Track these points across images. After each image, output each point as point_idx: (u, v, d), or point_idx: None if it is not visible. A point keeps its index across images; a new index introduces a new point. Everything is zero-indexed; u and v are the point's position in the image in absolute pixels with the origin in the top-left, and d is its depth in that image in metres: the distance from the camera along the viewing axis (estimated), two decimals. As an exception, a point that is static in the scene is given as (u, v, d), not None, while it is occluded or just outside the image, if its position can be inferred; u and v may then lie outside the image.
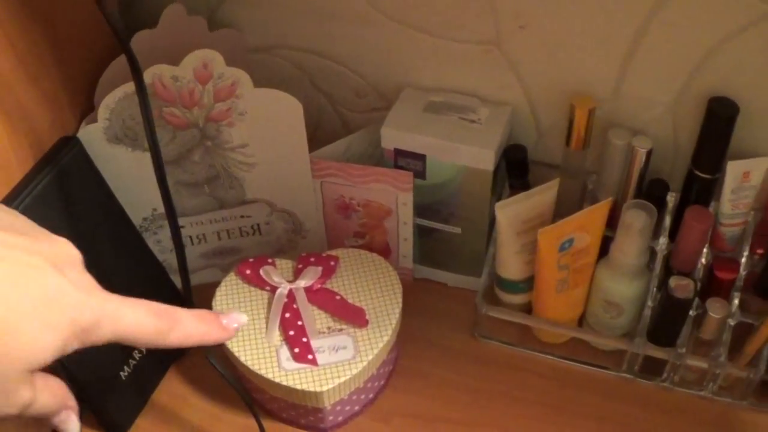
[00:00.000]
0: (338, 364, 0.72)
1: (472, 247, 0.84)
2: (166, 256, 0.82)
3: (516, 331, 0.83)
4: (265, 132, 0.77)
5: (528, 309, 0.83)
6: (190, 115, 0.75)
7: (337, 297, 0.76)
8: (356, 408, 0.77)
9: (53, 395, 0.48)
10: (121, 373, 0.75)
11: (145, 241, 0.80)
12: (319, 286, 0.77)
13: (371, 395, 0.78)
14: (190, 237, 0.82)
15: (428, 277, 0.89)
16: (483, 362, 0.82)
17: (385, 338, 0.74)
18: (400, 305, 0.76)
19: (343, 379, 0.71)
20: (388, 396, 0.79)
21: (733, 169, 0.77)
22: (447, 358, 0.82)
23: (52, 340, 0.44)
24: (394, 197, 0.80)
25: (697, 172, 0.78)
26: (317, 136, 0.86)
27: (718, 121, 0.75)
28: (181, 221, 0.80)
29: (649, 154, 0.77)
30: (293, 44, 0.85)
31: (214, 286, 0.78)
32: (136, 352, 0.76)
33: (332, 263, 0.78)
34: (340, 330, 0.74)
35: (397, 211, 0.81)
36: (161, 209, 0.78)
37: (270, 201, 0.81)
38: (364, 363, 0.72)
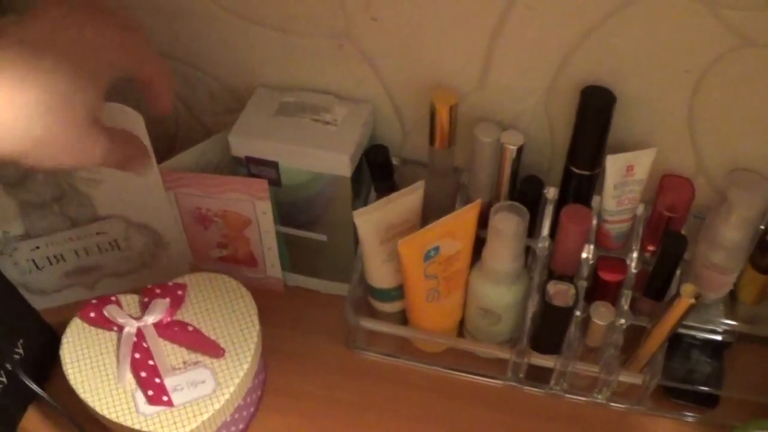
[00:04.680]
0: (197, 401, 0.67)
1: (341, 253, 0.79)
2: (27, 278, 0.79)
3: (393, 340, 0.78)
4: (107, 146, 0.72)
5: (405, 316, 0.78)
6: (28, 134, 0.70)
7: (190, 328, 0.70)
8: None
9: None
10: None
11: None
12: (169, 319, 0.71)
13: (241, 426, 0.73)
14: (48, 258, 0.78)
15: (301, 284, 0.84)
16: (359, 375, 0.77)
17: (245, 365, 0.68)
18: (257, 328, 0.71)
19: (205, 416, 0.66)
20: (257, 418, 0.74)
21: (614, 164, 0.70)
22: (321, 373, 0.77)
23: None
24: (252, 206, 0.75)
25: (574, 169, 0.71)
26: (177, 144, 0.80)
27: (593, 112, 0.68)
28: (35, 242, 0.77)
29: (520, 150, 0.70)
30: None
31: (78, 305, 0.71)
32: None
33: (180, 292, 0.72)
34: (197, 363, 0.69)
35: (256, 219, 0.76)
36: (13, 231, 0.76)
37: (124, 216, 0.76)
38: (226, 396, 0.67)
